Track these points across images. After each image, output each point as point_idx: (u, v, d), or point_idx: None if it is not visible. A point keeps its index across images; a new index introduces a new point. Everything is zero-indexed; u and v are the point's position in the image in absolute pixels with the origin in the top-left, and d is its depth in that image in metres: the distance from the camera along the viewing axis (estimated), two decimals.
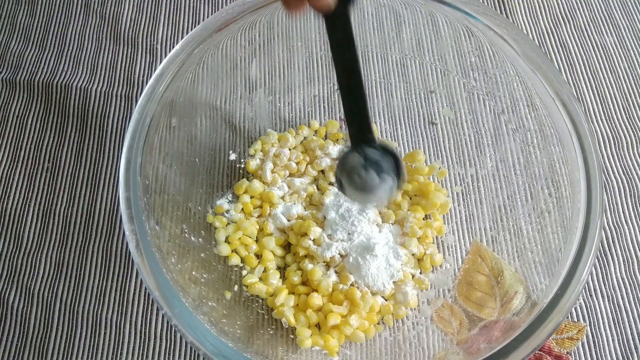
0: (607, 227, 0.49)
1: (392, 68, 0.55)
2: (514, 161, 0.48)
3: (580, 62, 0.59)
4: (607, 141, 0.54)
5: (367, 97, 0.30)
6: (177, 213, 0.45)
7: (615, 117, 0.55)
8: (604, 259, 0.48)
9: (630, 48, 0.60)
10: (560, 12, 0.62)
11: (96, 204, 0.51)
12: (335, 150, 0.51)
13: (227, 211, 0.49)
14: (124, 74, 0.58)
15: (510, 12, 0.62)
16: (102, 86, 0.57)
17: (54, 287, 0.47)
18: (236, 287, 0.45)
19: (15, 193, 0.52)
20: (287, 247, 0.49)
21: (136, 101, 0.47)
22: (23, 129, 0.55)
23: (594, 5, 0.63)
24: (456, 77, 0.52)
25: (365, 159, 0.33)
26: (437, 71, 0.53)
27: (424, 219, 0.48)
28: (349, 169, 0.34)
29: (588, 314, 0.46)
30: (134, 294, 0.47)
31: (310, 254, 0.46)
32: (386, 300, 0.45)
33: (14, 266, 0.48)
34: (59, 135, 0.55)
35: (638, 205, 0.50)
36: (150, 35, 0.61)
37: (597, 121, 0.55)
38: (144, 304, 0.46)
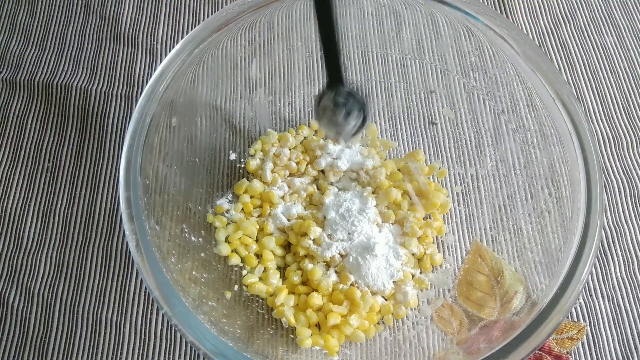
0: (607, 227, 0.49)
1: (392, 68, 0.55)
2: (514, 161, 0.48)
3: (580, 62, 0.59)
4: (607, 141, 0.54)
5: (341, 50, 0.36)
6: (177, 213, 0.45)
7: (615, 117, 0.55)
8: (604, 259, 0.48)
9: (630, 48, 0.60)
10: (560, 12, 0.62)
11: (96, 204, 0.51)
12: (335, 150, 0.51)
13: (227, 211, 0.49)
14: (124, 74, 0.58)
15: (510, 12, 0.62)
16: (102, 86, 0.57)
17: (54, 287, 0.47)
18: (236, 287, 0.45)
19: (15, 193, 0.52)
20: (287, 247, 0.49)
21: (136, 101, 0.47)
22: (23, 129, 0.55)
23: (594, 5, 0.63)
24: (456, 77, 0.52)
25: (336, 100, 0.39)
26: (437, 71, 0.53)
27: (424, 219, 0.48)
28: (323, 107, 0.40)
29: (588, 314, 0.46)
30: (134, 294, 0.47)
31: (310, 253, 0.46)
32: (386, 300, 0.45)
33: (14, 266, 0.48)
34: (59, 135, 0.55)
35: (638, 205, 0.51)
36: (150, 35, 0.61)
37: (597, 121, 0.55)
38: (144, 304, 0.46)
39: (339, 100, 0.39)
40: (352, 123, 0.40)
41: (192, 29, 0.51)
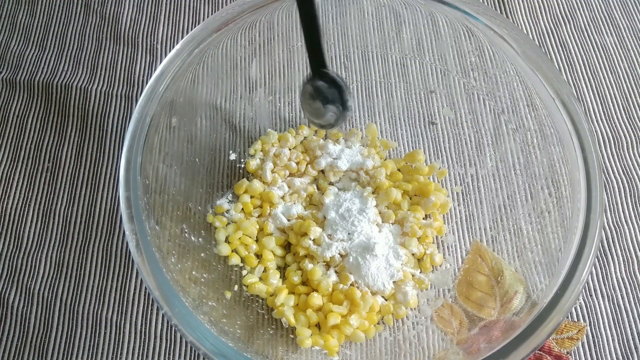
0: (607, 227, 0.49)
1: (392, 68, 0.55)
2: (514, 161, 0.48)
3: (580, 62, 0.59)
4: (607, 141, 0.54)
5: (323, 38, 0.37)
6: (177, 213, 0.45)
7: (615, 117, 0.55)
8: (604, 259, 0.48)
9: (630, 48, 0.60)
10: (560, 12, 0.62)
11: (96, 204, 0.51)
12: (335, 150, 0.51)
13: (227, 211, 0.49)
14: (124, 74, 0.58)
15: (510, 12, 0.62)
16: (102, 86, 0.57)
17: (54, 287, 0.47)
18: (236, 287, 0.45)
19: (15, 193, 0.52)
20: (287, 247, 0.49)
21: (136, 101, 0.47)
22: (23, 129, 0.55)
23: (594, 5, 0.63)
24: (456, 77, 0.52)
25: (317, 89, 0.39)
26: (437, 71, 0.53)
27: (424, 219, 0.48)
28: (305, 95, 0.41)
29: (588, 314, 0.46)
30: (134, 294, 0.47)
31: (310, 253, 0.46)
32: (386, 300, 0.45)
33: (14, 266, 0.48)
34: (59, 135, 0.55)
35: (638, 205, 0.51)
36: (150, 35, 0.61)
37: (597, 121, 0.55)
38: (144, 304, 0.46)
39: (319, 88, 0.39)
40: (331, 111, 0.40)
41: (192, 29, 0.51)
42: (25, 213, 0.51)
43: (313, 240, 0.46)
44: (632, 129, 0.55)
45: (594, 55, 0.59)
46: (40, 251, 0.49)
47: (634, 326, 0.45)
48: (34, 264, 0.49)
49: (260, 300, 0.46)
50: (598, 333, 0.45)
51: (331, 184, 0.51)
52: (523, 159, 0.47)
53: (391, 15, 0.51)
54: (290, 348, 0.43)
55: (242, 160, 0.52)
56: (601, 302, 0.46)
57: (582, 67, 0.58)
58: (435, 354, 0.43)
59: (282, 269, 0.48)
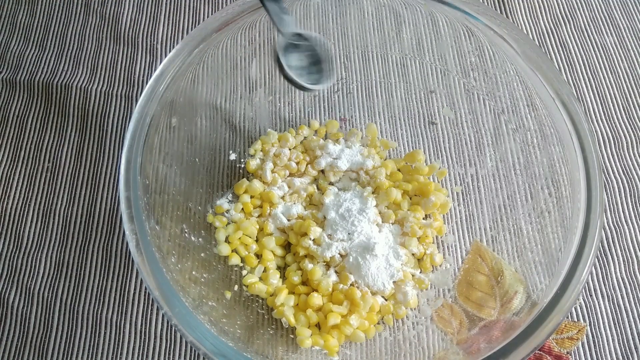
0: (607, 227, 0.49)
1: (392, 68, 0.55)
2: (514, 161, 0.48)
3: (580, 62, 0.59)
4: (607, 141, 0.54)
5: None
6: (177, 213, 0.45)
7: (615, 117, 0.55)
8: (604, 259, 0.48)
9: (630, 48, 0.60)
10: (560, 12, 0.62)
11: (96, 204, 0.51)
12: (335, 150, 0.51)
13: (227, 211, 0.49)
14: (124, 74, 0.58)
15: (510, 12, 0.62)
16: (102, 86, 0.57)
17: (54, 287, 0.47)
18: (236, 287, 0.45)
19: (15, 193, 0.52)
20: (287, 247, 0.49)
21: (136, 101, 0.47)
22: (23, 129, 0.55)
23: (594, 5, 0.63)
24: (456, 77, 0.52)
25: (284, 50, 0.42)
26: (437, 71, 0.53)
27: (424, 219, 0.48)
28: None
29: (588, 314, 0.46)
30: (134, 294, 0.47)
31: (310, 253, 0.46)
32: (386, 300, 0.45)
33: (14, 266, 0.48)
34: (59, 135, 0.55)
35: (638, 205, 0.51)
36: (150, 35, 0.61)
37: (597, 121, 0.55)
38: (144, 304, 0.46)
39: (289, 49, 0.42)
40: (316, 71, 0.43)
41: (192, 29, 0.51)
42: (25, 213, 0.51)
43: (313, 240, 0.46)
44: (632, 129, 0.55)
45: (594, 55, 0.59)
46: (40, 251, 0.49)
47: (634, 326, 0.45)
48: (34, 264, 0.49)
49: (260, 300, 0.46)
50: (598, 333, 0.45)
51: (331, 184, 0.51)
52: (523, 159, 0.47)
53: (391, 15, 0.51)
54: (290, 348, 0.43)
55: (242, 160, 0.52)
56: (601, 302, 0.46)
57: (582, 67, 0.58)
58: (435, 354, 0.43)
59: (282, 269, 0.48)
